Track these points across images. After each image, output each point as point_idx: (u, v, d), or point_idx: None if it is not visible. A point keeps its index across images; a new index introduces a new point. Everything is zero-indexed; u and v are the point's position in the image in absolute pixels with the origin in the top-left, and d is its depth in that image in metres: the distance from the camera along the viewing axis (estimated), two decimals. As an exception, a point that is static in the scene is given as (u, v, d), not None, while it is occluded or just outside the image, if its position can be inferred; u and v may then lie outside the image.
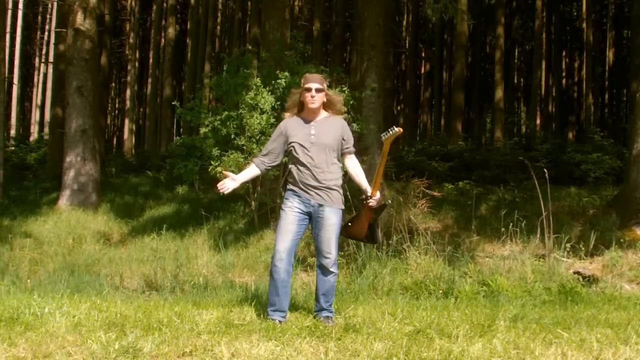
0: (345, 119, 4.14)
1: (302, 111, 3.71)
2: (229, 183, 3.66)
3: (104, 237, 8.35)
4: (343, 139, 3.68)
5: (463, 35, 17.03)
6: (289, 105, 3.80)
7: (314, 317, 3.60)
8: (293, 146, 3.63)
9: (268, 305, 3.57)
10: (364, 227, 3.73)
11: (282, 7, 10.03)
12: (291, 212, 3.59)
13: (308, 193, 3.58)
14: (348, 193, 4.24)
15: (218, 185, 3.67)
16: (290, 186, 3.67)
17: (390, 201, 4.62)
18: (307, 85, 3.64)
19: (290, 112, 3.76)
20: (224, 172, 3.90)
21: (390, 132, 3.48)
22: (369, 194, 3.64)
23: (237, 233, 8.06)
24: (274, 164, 3.78)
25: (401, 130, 3.48)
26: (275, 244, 3.63)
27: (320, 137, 3.61)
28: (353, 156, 3.75)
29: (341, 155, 3.74)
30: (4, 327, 3.07)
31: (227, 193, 3.72)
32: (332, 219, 3.57)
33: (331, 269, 3.59)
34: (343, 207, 3.67)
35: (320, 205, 3.57)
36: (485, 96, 25.86)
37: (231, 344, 2.77)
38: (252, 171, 3.76)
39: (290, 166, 3.72)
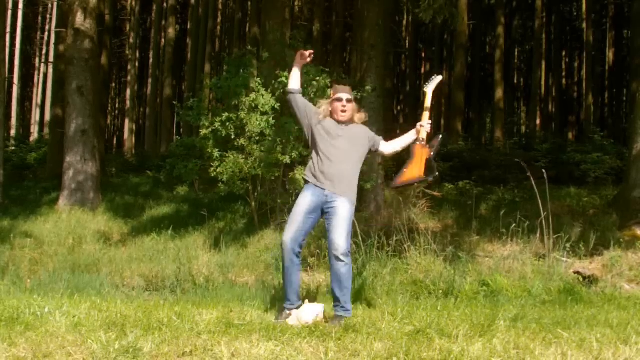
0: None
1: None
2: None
3: (104, 237, 8.34)
4: (369, 140, 3.96)
5: (463, 35, 17.02)
6: (322, 110, 3.91)
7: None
8: (320, 132, 3.80)
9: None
10: (421, 165, 4.06)
11: (282, 7, 10.03)
12: (303, 203, 3.71)
13: (323, 182, 3.71)
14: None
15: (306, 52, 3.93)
16: (306, 177, 3.82)
17: (443, 134, 4.87)
18: (338, 95, 3.86)
19: (321, 114, 3.89)
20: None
21: (434, 80, 4.21)
22: (420, 126, 4.09)
23: (237, 233, 8.06)
24: (299, 101, 3.92)
25: (441, 77, 4.10)
26: (283, 233, 3.75)
27: (348, 133, 3.82)
28: (383, 141, 4.09)
29: (375, 151, 4.05)
30: (4, 327, 3.07)
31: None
32: (343, 208, 3.66)
33: (341, 257, 3.58)
34: (355, 201, 3.79)
35: (333, 194, 3.68)
36: (485, 96, 25.85)
37: (231, 344, 2.77)
38: (296, 81, 3.95)
39: (310, 156, 3.88)
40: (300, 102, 3.91)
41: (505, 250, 6.40)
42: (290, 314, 3.61)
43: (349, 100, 3.87)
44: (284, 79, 7.61)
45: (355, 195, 3.77)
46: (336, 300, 3.63)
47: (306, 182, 3.81)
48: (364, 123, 4.04)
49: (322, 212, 3.72)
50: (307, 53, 3.94)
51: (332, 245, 3.61)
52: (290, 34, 10.10)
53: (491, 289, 5.10)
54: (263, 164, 7.48)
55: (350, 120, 3.89)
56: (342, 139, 3.77)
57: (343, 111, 3.82)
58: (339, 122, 3.84)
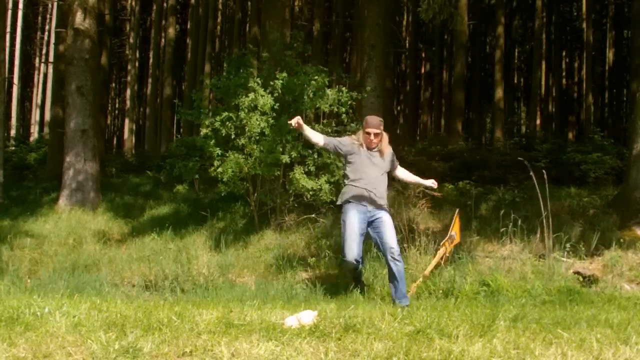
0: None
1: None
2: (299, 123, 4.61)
3: (104, 237, 8.34)
4: (392, 162, 4.90)
5: (463, 35, 17.02)
6: (360, 139, 4.81)
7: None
8: (354, 159, 4.76)
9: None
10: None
11: (282, 7, 10.03)
12: (353, 222, 4.59)
13: (363, 204, 4.64)
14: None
15: (291, 121, 4.63)
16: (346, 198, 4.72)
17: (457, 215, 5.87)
18: (367, 130, 4.72)
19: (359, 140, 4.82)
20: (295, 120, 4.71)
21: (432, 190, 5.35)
22: (433, 183, 5.02)
23: (237, 233, 8.06)
24: (330, 146, 4.84)
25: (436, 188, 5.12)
26: (345, 253, 4.59)
27: (377, 160, 4.75)
28: (399, 167, 5.04)
29: (389, 172, 4.91)
30: (4, 327, 3.07)
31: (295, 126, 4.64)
32: (387, 217, 4.65)
33: (397, 258, 4.50)
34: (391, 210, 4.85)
35: (375, 209, 4.63)
36: (485, 96, 25.85)
37: (231, 344, 2.77)
38: (316, 136, 4.79)
39: (346, 180, 4.79)
40: (332, 148, 4.85)
41: (505, 250, 6.39)
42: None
43: (376, 135, 4.70)
44: (281, 79, 7.60)
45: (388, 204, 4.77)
46: (398, 292, 4.46)
47: (347, 202, 4.65)
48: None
49: (368, 225, 4.61)
50: (293, 122, 4.64)
51: (388, 248, 4.49)
52: (290, 34, 10.11)
53: (491, 289, 5.11)
54: (263, 164, 7.48)
55: (380, 148, 4.74)
56: (374, 165, 4.70)
57: (371, 145, 4.71)
58: (370, 149, 4.71)
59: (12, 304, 3.64)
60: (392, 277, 4.50)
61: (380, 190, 4.63)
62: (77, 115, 10.63)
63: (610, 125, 24.75)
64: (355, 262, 4.50)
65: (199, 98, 8.39)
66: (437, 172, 11.95)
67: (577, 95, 27.68)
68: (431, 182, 4.93)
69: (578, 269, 5.79)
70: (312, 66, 7.93)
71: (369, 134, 4.67)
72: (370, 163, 4.67)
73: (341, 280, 5.59)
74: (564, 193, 9.85)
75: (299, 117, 4.66)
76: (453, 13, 7.31)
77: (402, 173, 5.04)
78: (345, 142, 4.77)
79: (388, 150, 4.78)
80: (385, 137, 4.79)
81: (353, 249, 4.46)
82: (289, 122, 4.76)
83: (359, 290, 4.82)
